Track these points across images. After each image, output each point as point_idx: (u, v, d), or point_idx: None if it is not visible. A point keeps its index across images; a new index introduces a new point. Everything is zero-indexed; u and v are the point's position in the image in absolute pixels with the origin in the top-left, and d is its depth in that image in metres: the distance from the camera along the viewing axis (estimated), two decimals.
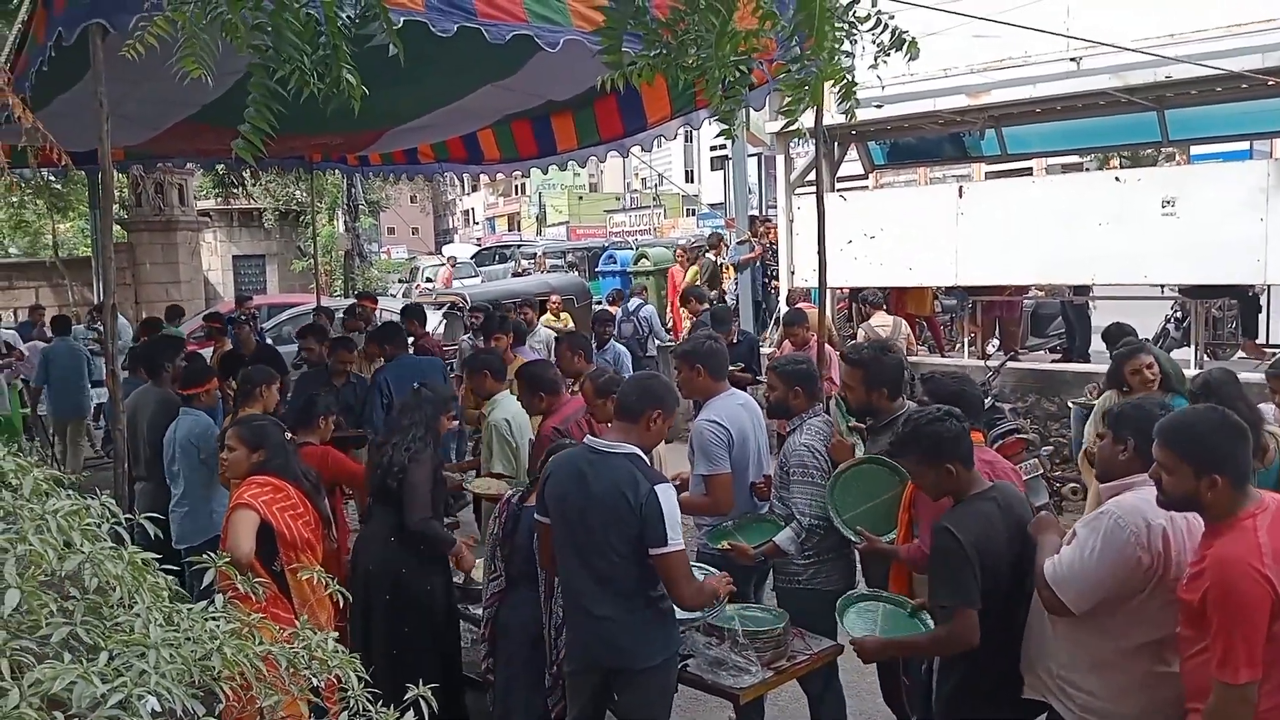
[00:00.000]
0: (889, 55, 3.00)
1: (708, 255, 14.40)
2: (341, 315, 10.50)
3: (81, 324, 12.54)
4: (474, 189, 61.25)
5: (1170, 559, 2.80)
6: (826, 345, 6.69)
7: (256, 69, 2.80)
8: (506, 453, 5.31)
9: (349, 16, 2.85)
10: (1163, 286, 10.30)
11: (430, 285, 22.29)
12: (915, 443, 3.33)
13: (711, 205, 39.46)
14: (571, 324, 11.34)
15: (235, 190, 23.53)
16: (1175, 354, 8.84)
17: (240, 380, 5.59)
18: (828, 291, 6.60)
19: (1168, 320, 10.45)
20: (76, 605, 1.73)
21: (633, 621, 3.42)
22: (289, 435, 4.45)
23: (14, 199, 18.94)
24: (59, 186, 17.46)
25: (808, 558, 4.14)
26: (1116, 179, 9.50)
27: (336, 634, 2.06)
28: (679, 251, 14.04)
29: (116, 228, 17.65)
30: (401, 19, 3.64)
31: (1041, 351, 11.03)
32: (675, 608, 3.54)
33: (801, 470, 4.16)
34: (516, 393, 5.48)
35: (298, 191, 23.32)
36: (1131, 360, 5.23)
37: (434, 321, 12.11)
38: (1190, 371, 7.40)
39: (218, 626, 1.83)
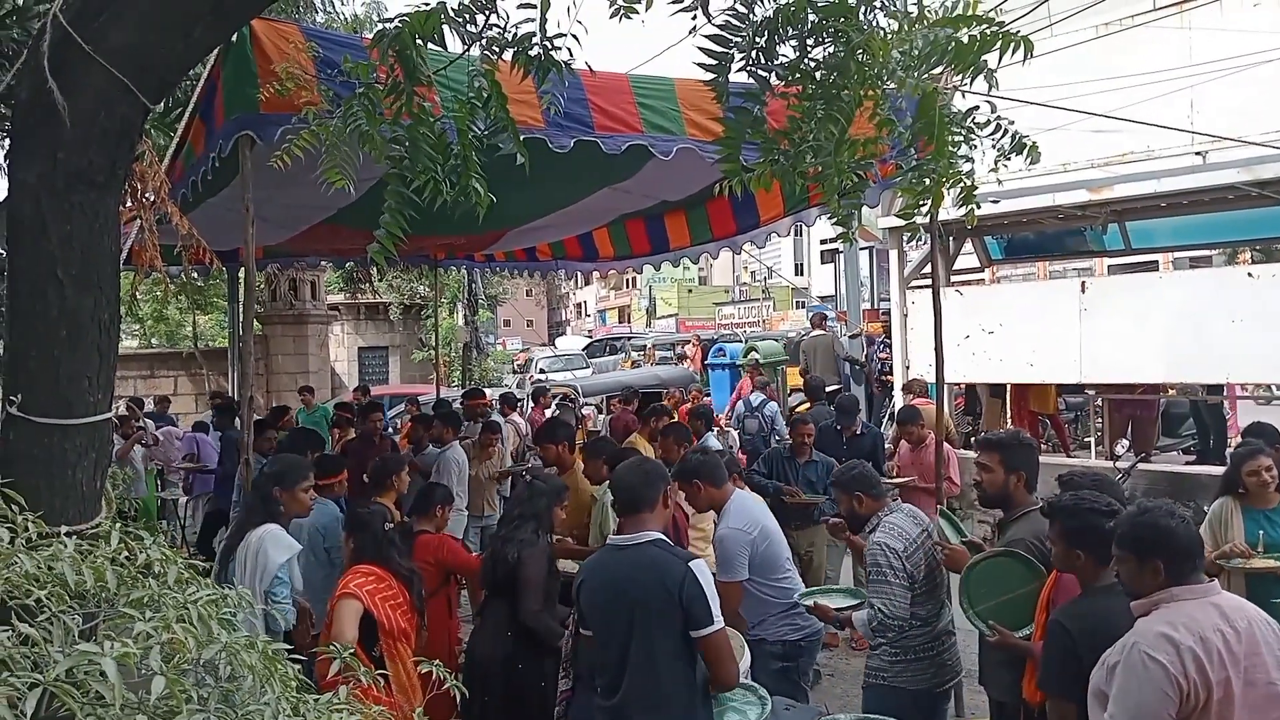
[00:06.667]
0: (1009, 159, 2.99)
1: (815, 334, 14.20)
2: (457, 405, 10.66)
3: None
4: (586, 283, 62.58)
5: (1210, 681, 2.64)
6: (945, 443, 6.55)
7: (393, 178, 2.96)
8: None
9: (479, 130, 3.00)
10: None
11: (543, 376, 22.65)
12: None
13: (822, 298, 39.34)
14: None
15: (363, 285, 24.66)
16: None
17: (372, 470, 5.75)
18: (945, 388, 6.48)
19: None
20: (211, 693, 1.79)
21: None
22: (403, 521, 4.57)
23: (160, 294, 20.16)
24: (200, 283, 18.50)
25: (894, 656, 4.18)
26: (1249, 274, 9.13)
27: None
28: (750, 370, 13.76)
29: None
30: (522, 136, 3.81)
31: (1175, 453, 10.53)
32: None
33: (876, 570, 4.22)
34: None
35: (420, 286, 24.35)
36: (1250, 461, 4.92)
37: (548, 412, 12.22)
38: None
39: (341, 718, 1.87)
